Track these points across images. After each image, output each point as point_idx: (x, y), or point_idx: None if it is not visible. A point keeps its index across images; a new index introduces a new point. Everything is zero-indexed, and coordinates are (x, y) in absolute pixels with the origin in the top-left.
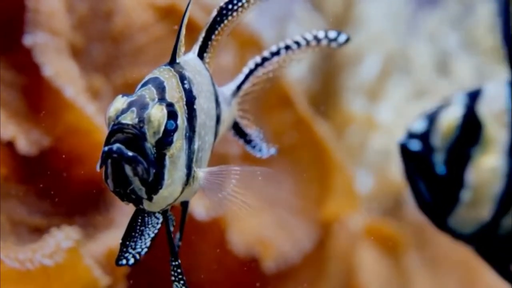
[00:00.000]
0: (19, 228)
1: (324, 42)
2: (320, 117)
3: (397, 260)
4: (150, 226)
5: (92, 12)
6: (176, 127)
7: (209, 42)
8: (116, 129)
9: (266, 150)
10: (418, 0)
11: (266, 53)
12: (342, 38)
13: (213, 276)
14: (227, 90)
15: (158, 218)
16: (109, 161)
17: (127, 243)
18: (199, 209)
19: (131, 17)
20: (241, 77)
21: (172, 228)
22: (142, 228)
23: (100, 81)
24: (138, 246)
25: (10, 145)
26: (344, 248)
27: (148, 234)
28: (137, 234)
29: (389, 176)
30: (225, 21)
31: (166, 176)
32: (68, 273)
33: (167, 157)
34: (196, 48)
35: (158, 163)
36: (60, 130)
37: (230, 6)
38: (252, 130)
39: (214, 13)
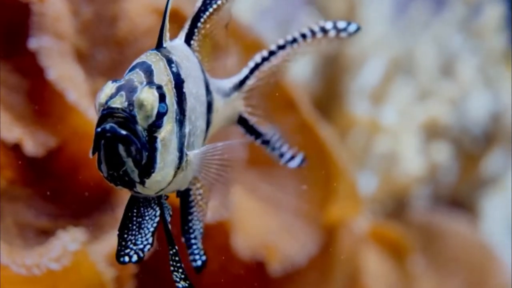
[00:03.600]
0: (25, 230)
1: (332, 33)
2: (324, 120)
3: (402, 263)
4: (147, 218)
5: (97, 17)
6: (167, 110)
7: (196, 30)
8: (106, 113)
9: (289, 156)
10: (423, 2)
11: (273, 47)
12: (353, 27)
13: (218, 280)
14: (228, 82)
15: (155, 210)
16: (102, 142)
17: (125, 236)
18: None
19: (135, 22)
20: (245, 71)
21: (169, 218)
22: (139, 219)
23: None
24: (139, 242)
25: (15, 148)
26: (349, 251)
27: (148, 228)
28: (134, 227)
29: (393, 179)
30: (210, 9)
31: (158, 160)
32: (75, 275)
33: (158, 140)
34: (182, 35)
35: (150, 146)
36: (65, 133)
37: None
38: (266, 129)
39: (199, 3)
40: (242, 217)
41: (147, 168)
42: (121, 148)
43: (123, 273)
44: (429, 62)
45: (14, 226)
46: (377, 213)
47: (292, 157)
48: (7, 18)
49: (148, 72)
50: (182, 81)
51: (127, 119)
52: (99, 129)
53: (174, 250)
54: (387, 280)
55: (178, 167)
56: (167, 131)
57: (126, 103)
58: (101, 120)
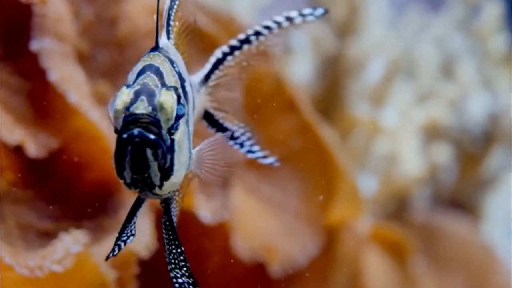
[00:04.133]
0: (27, 232)
1: (299, 20)
2: (324, 122)
3: (403, 264)
4: (138, 215)
5: (98, 18)
6: (185, 112)
7: (169, 28)
8: (131, 120)
9: (261, 155)
10: (423, 3)
11: (233, 42)
12: (319, 11)
13: (219, 282)
14: (196, 77)
15: (142, 206)
16: (129, 148)
17: (118, 235)
18: (205, 212)
19: (136, 23)
20: (208, 66)
21: (175, 218)
22: (134, 218)
23: (105, 86)
24: (124, 235)
25: (17, 150)
26: (350, 252)
27: (134, 221)
28: (127, 224)
29: (394, 180)
30: (175, 6)
31: (175, 161)
32: (77, 277)
33: (175, 142)
34: (163, 33)
35: (171, 149)
36: (67, 134)
37: None
38: (234, 126)
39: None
40: (243, 218)
41: (168, 171)
42: (149, 152)
43: (125, 274)
44: (429, 63)
45: (16, 228)
46: (377, 214)
47: (264, 157)
48: (8, 20)
49: (159, 74)
50: (184, 81)
51: (153, 123)
52: (125, 135)
53: (179, 250)
54: (388, 282)
55: (188, 167)
56: (181, 132)
57: (150, 108)
58: (125, 126)
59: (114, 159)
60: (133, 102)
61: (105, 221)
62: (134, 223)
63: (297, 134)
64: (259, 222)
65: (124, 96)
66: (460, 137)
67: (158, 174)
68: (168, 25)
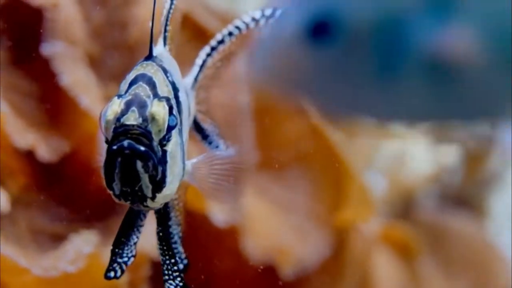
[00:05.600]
0: (39, 236)
1: (262, 21)
2: (332, 124)
3: (411, 264)
4: (135, 230)
5: (108, 22)
6: (177, 123)
7: (166, 34)
8: (122, 131)
9: (224, 149)
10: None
11: (213, 42)
12: (277, 13)
13: (230, 284)
14: (186, 83)
15: (142, 220)
16: (119, 160)
17: (117, 250)
18: (217, 215)
19: (146, 27)
20: (196, 69)
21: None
22: (129, 231)
23: (116, 90)
24: (124, 255)
25: (29, 154)
26: (360, 253)
27: (133, 239)
28: (124, 239)
29: (401, 179)
30: (171, 11)
31: (168, 173)
32: (90, 278)
33: (168, 154)
34: (160, 40)
35: (162, 160)
36: (78, 138)
37: None
38: (207, 125)
39: (168, 4)
40: (254, 220)
41: (160, 183)
42: (139, 164)
43: (136, 276)
44: None
45: (28, 232)
46: (385, 214)
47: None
48: (20, 24)
49: (151, 84)
50: (178, 90)
51: (144, 135)
52: (115, 147)
53: (173, 260)
54: (397, 282)
55: (181, 178)
56: (174, 143)
57: (140, 119)
58: (115, 137)
59: (103, 170)
60: (124, 113)
61: (116, 222)
62: (135, 243)
63: (306, 136)
64: (270, 224)
65: (115, 106)
66: (466, 136)
67: (150, 186)
68: (165, 31)
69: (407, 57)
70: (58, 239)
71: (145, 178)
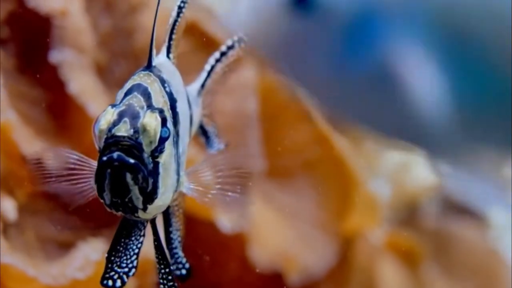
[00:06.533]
0: (47, 243)
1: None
2: (338, 131)
3: (416, 271)
4: (133, 239)
5: (115, 30)
6: (169, 134)
7: (171, 43)
8: (112, 142)
9: (216, 146)
10: None
11: (223, 48)
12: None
13: None
14: (193, 90)
15: (140, 230)
16: (108, 171)
17: (112, 258)
18: (224, 222)
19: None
20: (204, 75)
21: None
22: (126, 240)
23: None
24: (124, 265)
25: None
26: (366, 261)
27: (133, 250)
28: (122, 248)
29: (405, 186)
30: (178, 19)
31: (160, 185)
32: (98, 285)
33: (160, 165)
34: (164, 49)
35: (154, 172)
36: (86, 146)
37: (181, 4)
38: (209, 127)
39: (175, 13)
40: (260, 228)
41: (151, 195)
42: (128, 177)
43: (144, 282)
44: None
45: (36, 240)
46: (390, 221)
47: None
48: (28, 32)
49: (146, 95)
50: (175, 101)
51: (134, 147)
52: (105, 158)
53: (167, 269)
54: None
55: (176, 189)
56: (167, 155)
57: (132, 130)
58: (106, 148)
59: (94, 180)
60: (116, 123)
61: None
62: (136, 254)
63: (313, 143)
64: (276, 232)
65: (109, 116)
66: None
67: (141, 197)
68: (170, 40)
69: (367, 52)
70: (66, 247)
71: (135, 190)
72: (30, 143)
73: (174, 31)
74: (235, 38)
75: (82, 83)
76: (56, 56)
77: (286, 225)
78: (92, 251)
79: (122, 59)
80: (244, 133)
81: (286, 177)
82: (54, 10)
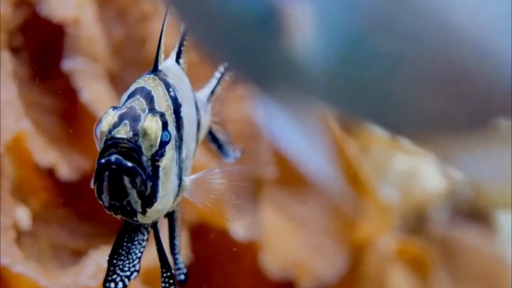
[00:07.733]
0: (60, 252)
1: None
2: (350, 135)
3: (425, 279)
4: (136, 243)
5: (128, 38)
6: (170, 138)
7: (182, 48)
8: (111, 144)
9: (232, 154)
10: None
11: None
12: None
13: None
14: (202, 95)
15: (144, 235)
16: (106, 173)
17: (114, 261)
18: (237, 229)
19: (164, 42)
20: (214, 81)
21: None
22: (128, 245)
23: None
24: (126, 268)
25: (50, 170)
26: (376, 269)
27: (135, 254)
28: (124, 252)
29: (413, 194)
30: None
31: (160, 189)
32: None
33: (160, 169)
34: (173, 54)
35: (153, 175)
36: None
37: None
38: (221, 135)
39: None
40: (272, 236)
41: (150, 198)
42: (126, 180)
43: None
44: None
45: (49, 248)
46: (398, 228)
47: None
48: (41, 40)
49: (149, 98)
50: (180, 106)
51: (133, 149)
52: (103, 160)
53: (169, 273)
54: None
55: (177, 194)
56: (168, 159)
57: (131, 133)
58: (105, 150)
59: (93, 181)
60: (116, 125)
61: None
62: (138, 258)
63: None
64: (288, 240)
65: (110, 117)
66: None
67: (139, 201)
68: (181, 45)
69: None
70: (78, 255)
71: (133, 193)
72: (43, 152)
73: (186, 37)
74: None
75: (94, 92)
76: (68, 64)
77: (298, 234)
78: (104, 259)
79: (135, 67)
80: (255, 140)
81: (298, 184)
82: (67, 18)
